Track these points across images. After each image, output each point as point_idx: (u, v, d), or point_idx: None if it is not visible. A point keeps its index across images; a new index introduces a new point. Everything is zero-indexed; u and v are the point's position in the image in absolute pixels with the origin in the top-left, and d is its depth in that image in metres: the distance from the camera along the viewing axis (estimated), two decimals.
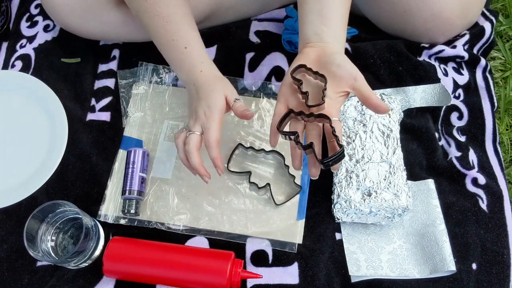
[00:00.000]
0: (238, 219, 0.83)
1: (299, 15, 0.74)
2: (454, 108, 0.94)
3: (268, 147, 0.87)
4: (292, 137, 0.65)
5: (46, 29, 1.00)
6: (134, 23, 0.90)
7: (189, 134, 0.73)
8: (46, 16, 1.01)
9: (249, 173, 0.85)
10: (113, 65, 0.97)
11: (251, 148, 0.86)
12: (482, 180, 0.86)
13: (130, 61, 0.97)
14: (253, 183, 0.84)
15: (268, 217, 0.83)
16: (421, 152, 0.88)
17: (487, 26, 0.97)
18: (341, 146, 0.64)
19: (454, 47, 0.95)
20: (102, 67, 0.97)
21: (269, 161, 0.87)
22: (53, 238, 0.79)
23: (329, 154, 0.65)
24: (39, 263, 0.81)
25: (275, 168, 0.87)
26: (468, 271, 0.79)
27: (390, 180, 0.79)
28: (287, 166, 0.85)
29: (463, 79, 0.96)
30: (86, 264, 0.79)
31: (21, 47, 0.99)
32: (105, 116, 0.92)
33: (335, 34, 0.70)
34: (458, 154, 0.88)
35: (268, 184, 0.83)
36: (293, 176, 0.84)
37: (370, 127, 0.83)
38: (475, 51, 0.98)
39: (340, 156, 0.63)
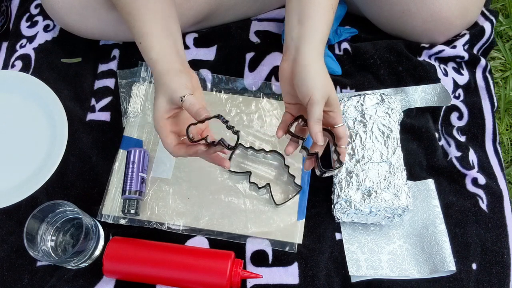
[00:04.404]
0: (238, 219, 0.83)
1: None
2: (454, 108, 0.94)
3: (268, 147, 0.87)
4: (300, 141, 0.73)
5: (46, 29, 1.00)
6: None
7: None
8: (46, 16, 1.01)
9: (249, 173, 0.85)
10: (113, 65, 0.97)
11: (251, 148, 0.86)
12: (482, 180, 0.86)
13: (130, 61, 0.97)
14: (253, 183, 0.84)
15: (268, 217, 0.83)
16: (421, 152, 0.88)
17: (487, 26, 0.97)
18: (341, 163, 0.71)
19: (454, 47, 0.95)
20: (102, 67, 0.97)
21: (269, 161, 0.87)
22: (53, 238, 0.79)
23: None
24: (39, 263, 0.81)
25: (275, 168, 0.87)
26: (468, 271, 0.79)
27: (390, 180, 0.79)
28: (287, 166, 0.85)
29: (463, 79, 0.96)
30: (86, 264, 0.79)
31: (21, 47, 0.99)
32: (105, 116, 0.92)
33: (312, 33, 0.69)
34: (458, 154, 0.88)
35: (268, 184, 0.83)
36: (293, 176, 0.84)
37: (370, 127, 0.83)
38: (475, 51, 0.98)
39: (337, 170, 0.74)
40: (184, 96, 0.66)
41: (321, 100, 0.68)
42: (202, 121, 0.66)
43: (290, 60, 0.71)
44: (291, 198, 0.83)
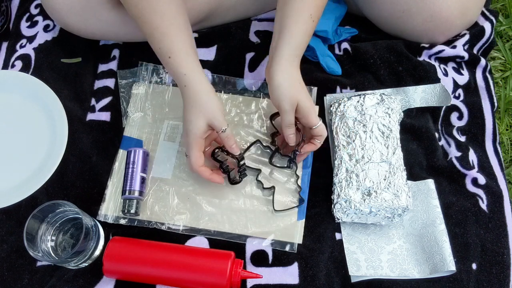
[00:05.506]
0: (238, 219, 0.83)
1: None
2: (454, 108, 0.94)
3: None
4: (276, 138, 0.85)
5: (46, 29, 1.00)
6: (134, 23, 0.90)
7: (187, 159, 0.78)
8: (46, 16, 1.01)
9: (259, 170, 0.85)
10: (113, 65, 0.97)
11: (268, 147, 0.86)
12: (482, 180, 0.86)
13: (130, 61, 0.97)
14: (260, 181, 0.84)
15: (268, 217, 0.83)
16: (421, 152, 0.88)
17: (487, 26, 0.97)
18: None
19: (454, 47, 0.95)
20: (102, 67, 0.97)
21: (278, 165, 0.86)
22: (53, 238, 0.79)
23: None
24: (39, 263, 0.81)
25: (285, 175, 0.86)
26: (468, 271, 0.79)
27: (390, 180, 0.79)
28: (298, 176, 0.84)
29: (463, 79, 0.96)
30: (86, 264, 0.79)
31: (21, 47, 0.99)
32: (105, 116, 0.92)
33: (286, 44, 0.75)
34: (458, 154, 0.88)
35: (274, 187, 0.83)
36: (297, 176, 0.84)
37: (370, 127, 0.83)
38: (475, 51, 0.98)
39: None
40: (225, 129, 0.75)
41: (289, 108, 0.75)
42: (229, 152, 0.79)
43: (268, 70, 0.77)
44: (290, 209, 0.83)
